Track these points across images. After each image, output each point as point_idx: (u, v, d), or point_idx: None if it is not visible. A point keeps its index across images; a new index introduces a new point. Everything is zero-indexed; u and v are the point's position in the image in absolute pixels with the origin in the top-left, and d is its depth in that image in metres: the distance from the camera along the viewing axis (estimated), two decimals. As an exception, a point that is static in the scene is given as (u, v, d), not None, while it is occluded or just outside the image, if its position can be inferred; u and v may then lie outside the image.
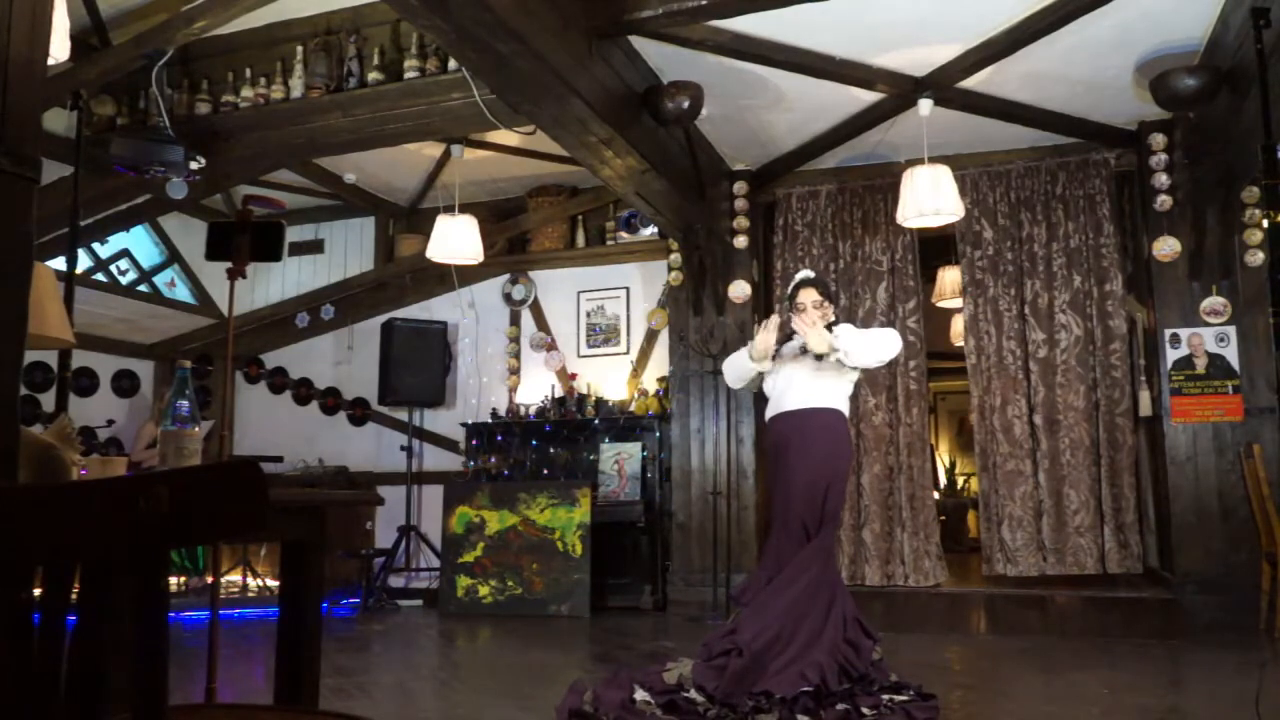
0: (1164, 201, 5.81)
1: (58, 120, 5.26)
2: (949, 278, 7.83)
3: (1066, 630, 5.52)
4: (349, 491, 7.18)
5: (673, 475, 6.68)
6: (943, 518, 8.10)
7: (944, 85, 5.32)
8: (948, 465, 11.67)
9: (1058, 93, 5.51)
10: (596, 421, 7.18)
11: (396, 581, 7.41)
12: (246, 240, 2.93)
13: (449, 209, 6.59)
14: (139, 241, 7.60)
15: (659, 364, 7.30)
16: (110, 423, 7.49)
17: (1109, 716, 3.56)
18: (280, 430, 8.05)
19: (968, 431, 8.25)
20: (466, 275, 7.62)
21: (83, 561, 1.09)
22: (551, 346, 7.68)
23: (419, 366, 7.49)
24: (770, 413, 3.97)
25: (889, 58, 5.15)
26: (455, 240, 6.43)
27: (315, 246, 8.25)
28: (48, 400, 6.32)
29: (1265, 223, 5.36)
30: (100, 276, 7.20)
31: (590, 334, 7.62)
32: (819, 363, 3.81)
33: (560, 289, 7.73)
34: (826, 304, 3.94)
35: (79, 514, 1.07)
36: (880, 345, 3.79)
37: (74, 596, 1.11)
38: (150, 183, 5.49)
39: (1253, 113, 4.19)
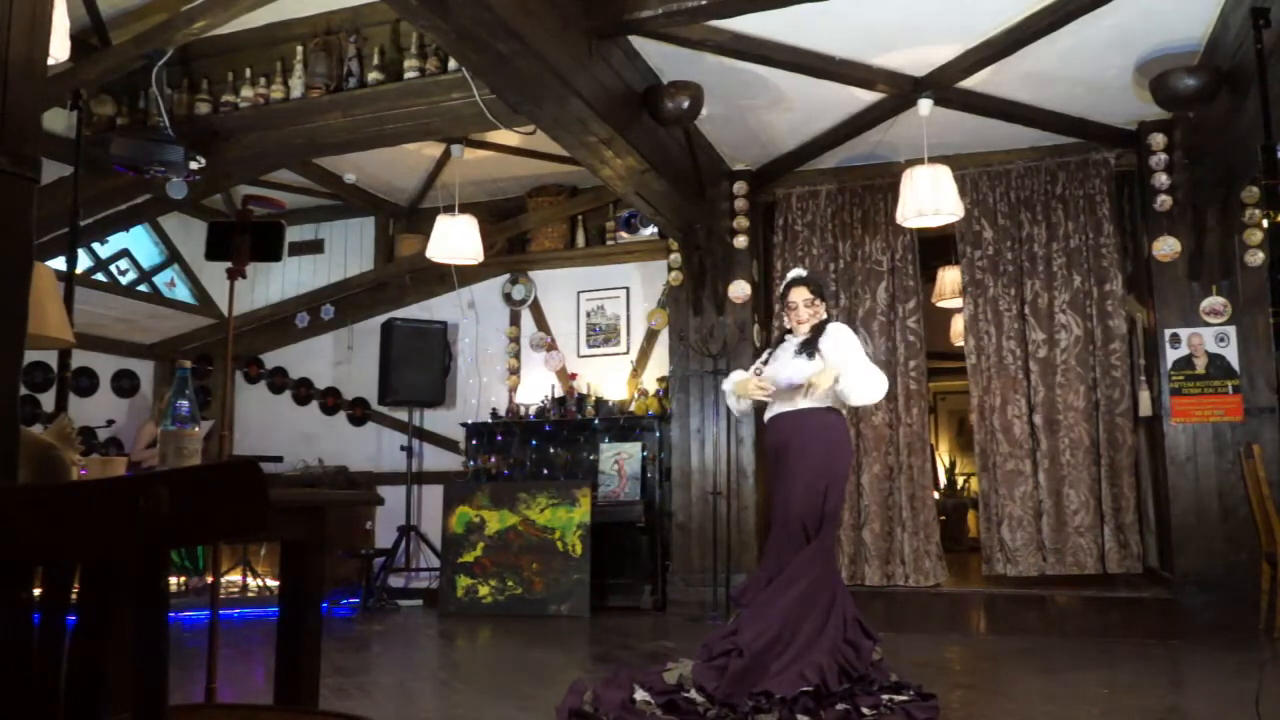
0: (1164, 201, 5.80)
1: (58, 120, 5.26)
2: (949, 278, 7.83)
3: (1066, 630, 5.51)
4: (349, 491, 7.18)
5: (673, 475, 6.68)
6: (943, 518, 8.10)
7: (944, 85, 5.32)
8: (948, 465, 11.67)
9: (1058, 93, 5.51)
10: (596, 421, 7.18)
11: (396, 581, 7.41)
12: (246, 240, 2.93)
13: (449, 209, 6.59)
14: (139, 241, 7.60)
15: (659, 364, 7.30)
16: (110, 423, 7.49)
17: (1109, 716, 3.56)
18: (280, 430, 8.05)
19: (968, 431, 8.25)
20: (466, 275, 7.62)
21: (83, 561, 1.09)
22: (551, 346, 7.68)
23: (419, 366, 7.49)
24: (769, 413, 3.98)
25: (889, 58, 5.15)
26: (455, 240, 6.43)
27: (315, 246, 8.25)
28: (48, 400, 6.32)
29: (1265, 223, 5.37)
30: (100, 276, 7.20)
31: (590, 334, 7.62)
32: (812, 361, 3.81)
33: (560, 289, 7.73)
34: (818, 302, 3.94)
35: (79, 514, 1.07)
36: (873, 390, 3.77)
37: (74, 596, 1.11)
38: (150, 183, 5.48)
39: (1253, 113, 4.19)
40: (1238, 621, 5.25)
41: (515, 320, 7.84)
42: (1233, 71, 4.63)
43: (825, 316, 3.95)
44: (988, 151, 6.28)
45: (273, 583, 6.86)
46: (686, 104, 5.00)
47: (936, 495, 7.95)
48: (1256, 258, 5.62)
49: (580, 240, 7.54)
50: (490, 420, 7.49)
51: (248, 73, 5.38)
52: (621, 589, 6.82)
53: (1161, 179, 5.81)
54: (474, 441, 7.47)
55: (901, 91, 5.39)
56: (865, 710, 3.32)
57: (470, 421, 7.54)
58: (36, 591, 1.17)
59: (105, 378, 7.86)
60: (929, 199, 5.37)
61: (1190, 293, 5.74)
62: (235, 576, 6.98)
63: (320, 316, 8.18)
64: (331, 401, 8.15)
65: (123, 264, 7.43)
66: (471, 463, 7.42)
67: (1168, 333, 5.74)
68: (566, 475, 7.12)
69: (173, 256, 7.84)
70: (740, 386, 3.95)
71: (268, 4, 4.85)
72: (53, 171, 2.84)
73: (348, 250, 8.20)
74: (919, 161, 5.51)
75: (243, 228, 2.93)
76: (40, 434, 1.92)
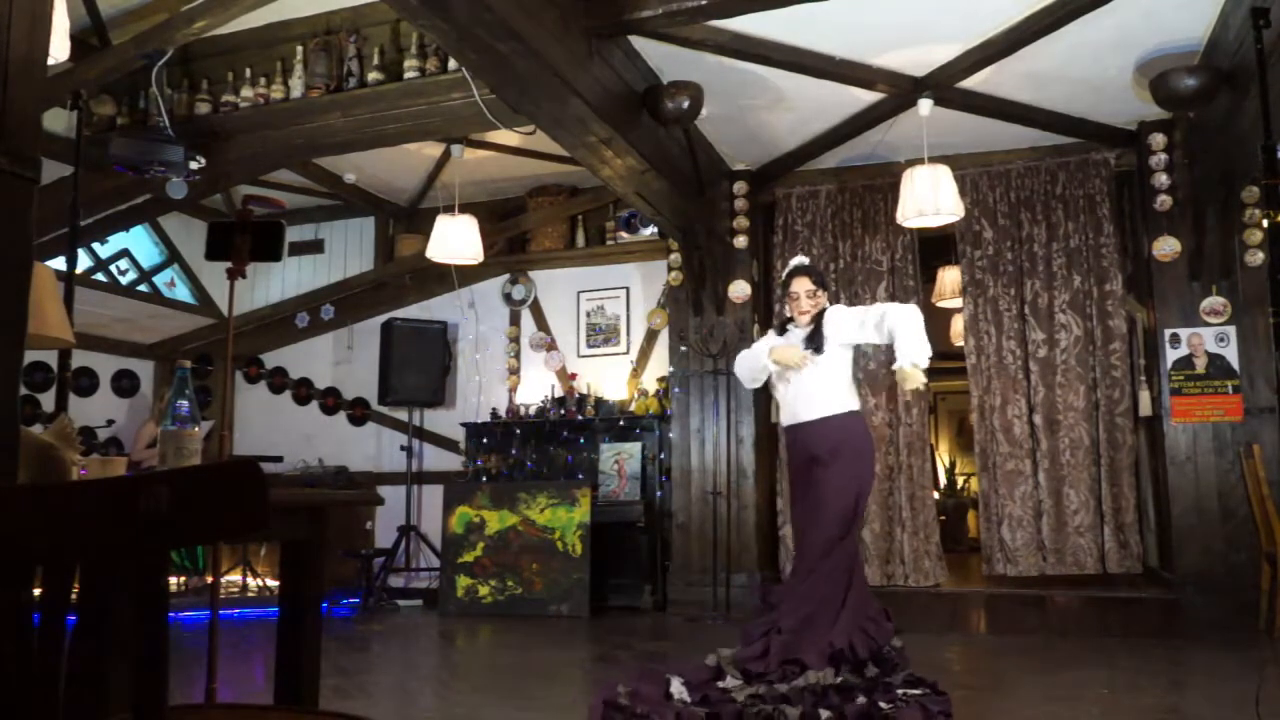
0: (1164, 201, 5.80)
1: (58, 120, 5.25)
2: (949, 278, 7.83)
3: (1066, 630, 5.51)
4: (349, 491, 7.16)
5: (673, 475, 6.68)
6: (943, 518, 8.10)
7: (944, 85, 5.32)
8: (948, 465, 11.66)
9: (1058, 93, 5.51)
10: (596, 421, 7.19)
11: (396, 581, 7.41)
12: (246, 240, 2.92)
13: (449, 209, 6.59)
14: (139, 241, 7.60)
15: (659, 364, 7.30)
16: (110, 423, 7.49)
17: (1109, 716, 3.56)
18: (280, 430, 8.05)
19: (968, 431, 8.24)
20: (466, 275, 7.62)
21: (83, 561, 1.09)
22: (551, 346, 7.68)
23: (419, 366, 7.50)
24: (788, 420, 3.98)
25: (889, 58, 5.15)
26: (455, 240, 6.43)
27: (315, 246, 8.25)
28: (48, 400, 6.31)
29: (1265, 223, 5.36)
30: (100, 276, 7.19)
31: (590, 334, 7.62)
32: (819, 355, 3.82)
33: (560, 289, 7.73)
34: (820, 292, 3.94)
35: (79, 514, 1.07)
36: (922, 335, 3.85)
37: (74, 596, 1.11)
38: (150, 183, 5.49)
39: (1253, 113, 4.18)
40: (1238, 621, 5.25)
41: (515, 320, 7.84)
42: (1233, 71, 4.63)
43: (825, 306, 3.95)
44: (988, 151, 6.28)
45: (273, 583, 6.86)
46: (686, 104, 5.01)
47: (936, 495, 7.95)
48: (1256, 258, 5.62)
49: (580, 240, 7.54)
50: (490, 420, 7.49)
51: (248, 73, 5.38)
52: (621, 589, 6.82)
53: (1161, 179, 5.81)
54: (474, 441, 7.48)
55: (901, 91, 5.39)
56: (883, 704, 3.35)
57: (470, 421, 7.54)
58: (36, 591, 1.17)
59: (105, 378, 7.86)
60: (929, 199, 5.37)
61: (1190, 293, 5.74)
62: (235, 576, 6.99)
63: (320, 316, 8.17)
64: (331, 401, 8.15)
65: (123, 264, 7.42)
66: (472, 463, 7.42)
67: (1168, 333, 5.74)
68: (566, 475, 7.12)
69: (173, 256, 7.84)
70: (784, 354, 3.87)
71: (268, 4, 4.84)
72: (53, 171, 2.84)
73: (348, 250, 8.20)
74: (919, 161, 5.51)
75: (243, 228, 2.93)
76: (40, 434, 1.92)
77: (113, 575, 1.07)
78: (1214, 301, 5.68)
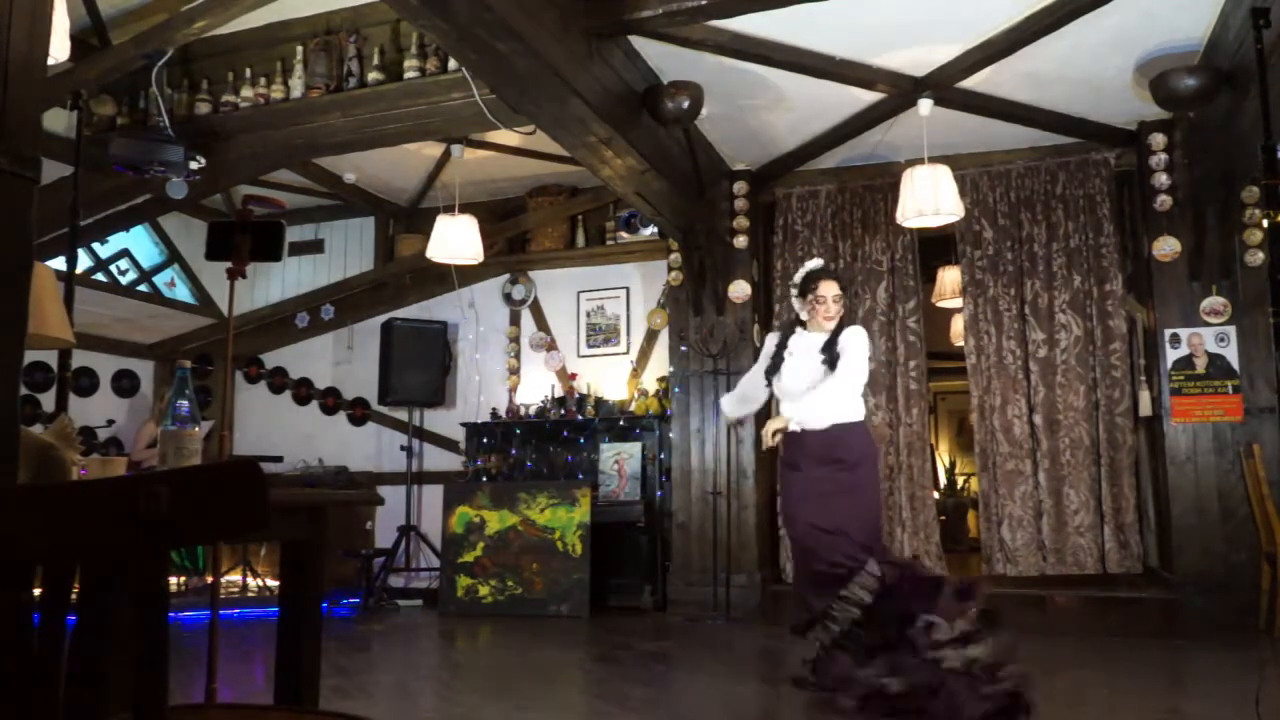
0: (1164, 201, 5.80)
1: (58, 120, 5.25)
2: (949, 278, 7.83)
3: (1066, 630, 5.51)
4: (349, 492, 7.16)
5: (673, 475, 6.68)
6: (943, 518, 8.10)
7: (944, 85, 5.32)
8: (948, 465, 11.66)
9: (1058, 93, 5.50)
10: (596, 421, 7.18)
11: (396, 581, 7.41)
12: (246, 240, 2.93)
13: (449, 209, 6.59)
14: (139, 241, 7.60)
15: (659, 364, 7.30)
16: (110, 423, 7.49)
17: (1109, 716, 3.56)
18: (280, 430, 8.05)
19: (968, 431, 8.24)
20: (466, 275, 7.62)
21: (83, 561, 1.09)
22: (551, 346, 7.68)
23: (419, 366, 7.50)
24: (792, 425, 3.90)
25: (889, 58, 5.15)
26: (455, 240, 6.43)
27: (315, 246, 8.25)
28: (48, 400, 6.31)
29: (1265, 223, 5.36)
30: (100, 276, 7.19)
31: (590, 334, 7.62)
32: (833, 372, 3.75)
33: (560, 289, 7.73)
34: (842, 299, 3.89)
35: (79, 514, 1.07)
36: (825, 409, 3.77)
37: (74, 596, 1.11)
38: (150, 183, 5.49)
39: (1253, 113, 4.18)
40: (1238, 621, 5.24)
41: (515, 320, 7.84)
42: (1233, 71, 4.63)
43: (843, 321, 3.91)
44: (988, 151, 6.28)
45: (273, 583, 6.86)
46: (686, 104, 5.00)
47: (936, 495, 7.95)
48: (1256, 258, 5.62)
49: (580, 240, 7.54)
50: (490, 420, 7.49)
51: (248, 73, 5.38)
52: (621, 589, 6.82)
53: (1161, 179, 5.80)
54: (474, 441, 7.48)
55: (901, 91, 5.39)
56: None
57: (470, 421, 7.54)
58: (36, 591, 1.17)
59: (105, 378, 7.86)
60: (929, 199, 5.37)
61: (1190, 293, 5.74)
62: (235, 576, 6.98)
63: (320, 316, 8.18)
64: (331, 401, 8.15)
65: (123, 264, 7.42)
66: (472, 463, 7.42)
67: (1168, 333, 5.74)
68: (566, 475, 7.12)
69: (173, 256, 7.84)
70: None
71: (268, 4, 4.84)
72: (53, 171, 2.84)
73: (348, 250, 8.20)
74: (919, 161, 5.51)
75: (243, 228, 2.93)
76: (40, 434, 1.92)
77: (113, 575, 1.07)
78: (1214, 301, 5.68)
